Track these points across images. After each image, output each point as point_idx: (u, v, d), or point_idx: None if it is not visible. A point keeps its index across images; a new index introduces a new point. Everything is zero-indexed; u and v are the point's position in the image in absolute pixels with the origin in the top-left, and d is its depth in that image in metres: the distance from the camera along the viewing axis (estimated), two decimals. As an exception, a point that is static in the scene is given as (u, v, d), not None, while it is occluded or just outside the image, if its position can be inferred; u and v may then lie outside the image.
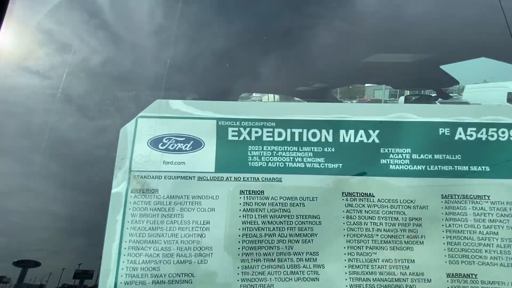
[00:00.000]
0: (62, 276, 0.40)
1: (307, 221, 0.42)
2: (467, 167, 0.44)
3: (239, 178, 0.43)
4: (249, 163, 0.44)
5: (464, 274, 0.41)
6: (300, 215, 0.42)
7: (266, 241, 0.41)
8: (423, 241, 0.42)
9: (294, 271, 0.40)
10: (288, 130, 0.45)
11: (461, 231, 0.43)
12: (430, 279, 0.41)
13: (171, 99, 0.46)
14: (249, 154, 0.44)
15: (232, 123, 0.45)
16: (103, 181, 0.41)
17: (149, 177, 0.42)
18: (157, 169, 0.42)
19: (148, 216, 0.40)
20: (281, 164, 0.44)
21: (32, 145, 0.48)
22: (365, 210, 0.43)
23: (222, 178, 0.43)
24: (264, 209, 0.42)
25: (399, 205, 0.43)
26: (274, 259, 0.40)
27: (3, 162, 0.48)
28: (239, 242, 0.40)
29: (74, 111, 0.51)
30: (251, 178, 0.43)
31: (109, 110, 0.48)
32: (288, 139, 0.45)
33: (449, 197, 0.43)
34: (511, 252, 0.41)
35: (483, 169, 0.44)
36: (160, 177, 0.42)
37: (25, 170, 0.48)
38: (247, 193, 0.42)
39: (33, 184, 0.47)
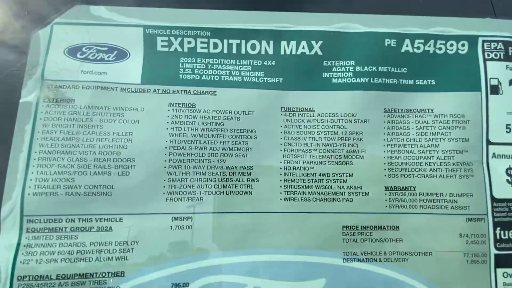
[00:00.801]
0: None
1: (241, 135, 0.39)
2: (412, 80, 0.42)
3: (168, 91, 0.39)
4: (180, 75, 0.40)
5: (402, 187, 0.40)
6: (234, 129, 0.39)
7: (196, 154, 0.38)
8: (363, 156, 0.40)
9: (226, 185, 0.38)
10: (225, 41, 0.42)
11: (402, 145, 0.41)
12: (368, 192, 0.39)
13: (92, 5, 0.41)
14: (180, 66, 0.40)
15: (161, 31, 0.41)
16: (11, 89, 0.36)
17: (64, 86, 0.37)
18: (74, 78, 0.38)
19: (62, 127, 0.36)
20: (216, 78, 0.41)
21: None
22: (304, 125, 0.41)
23: (148, 90, 0.39)
24: (194, 122, 0.39)
25: (339, 119, 0.41)
26: (205, 172, 0.38)
27: None
28: (165, 154, 0.37)
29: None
30: (181, 91, 0.39)
31: (20, 13, 0.42)
32: (225, 51, 0.42)
33: (392, 111, 0.41)
34: (450, 163, 0.40)
35: (429, 83, 0.42)
36: (77, 87, 0.38)
37: None
38: (177, 105, 0.39)
39: None
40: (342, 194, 0.39)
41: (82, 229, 0.35)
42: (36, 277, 0.33)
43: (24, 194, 0.34)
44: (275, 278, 0.37)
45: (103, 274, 0.34)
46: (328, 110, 0.41)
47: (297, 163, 0.40)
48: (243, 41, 0.42)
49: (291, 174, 0.39)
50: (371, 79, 0.41)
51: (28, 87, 0.37)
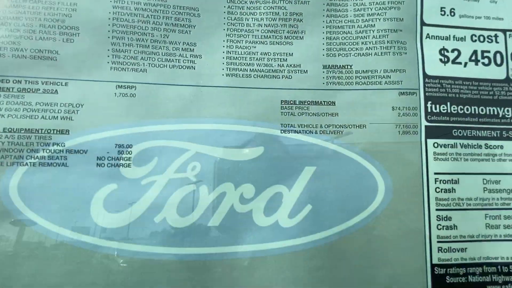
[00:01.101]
0: None
1: (185, 12, 0.41)
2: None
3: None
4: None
5: (340, 65, 0.42)
6: (177, 6, 0.41)
7: (139, 27, 0.40)
8: (302, 36, 0.42)
9: (169, 59, 0.40)
10: None
11: (340, 26, 0.43)
12: (307, 70, 0.41)
13: None
14: None
15: None
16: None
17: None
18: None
19: (8, -5, 0.38)
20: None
21: None
22: (247, 7, 0.42)
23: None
24: (137, -4, 0.41)
25: (281, 0, 0.43)
26: (148, 45, 0.40)
27: None
28: (109, 25, 0.39)
29: None
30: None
31: None
32: None
33: (332, -6, 0.43)
34: (385, 42, 0.42)
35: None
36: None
37: None
38: None
39: None
40: (281, 72, 0.41)
41: (29, 90, 0.37)
42: (-17, 129, 0.35)
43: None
44: (215, 145, 0.39)
45: (48, 131, 0.36)
46: (270, -8, 0.43)
47: (239, 43, 0.41)
48: None
49: (233, 52, 0.41)
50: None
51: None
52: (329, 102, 0.41)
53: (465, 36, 0.44)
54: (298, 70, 0.41)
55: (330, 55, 0.42)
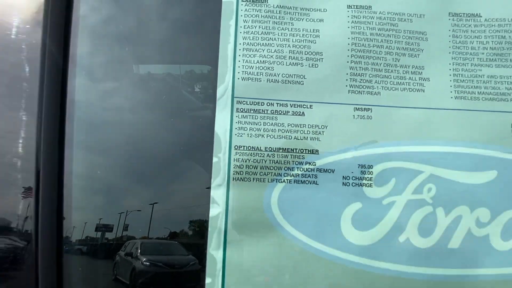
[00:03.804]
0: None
1: (414, 36, 0.42)
2: None
3: (345, -5, 0.43)
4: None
5: None
6: (407, 30, 0.42)
7: (374, 52, 0.41)
8: (530, 59, 0.42)
9: (400, 82, 0.41)
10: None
11: None
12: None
13: None
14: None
15: None
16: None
17: (257, -11, 0.42)
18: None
19: (260, 23, 0.41)
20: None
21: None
22: (471, 30, 0.43)
23: (328, -5, 0.42)
24: (372, 22, 0.42)
25: (506, 24, 0.42)
26: (381, 69, 0.41)
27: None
28: (348, 50, 0.41)
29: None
30: (357, -5, 0.43)
31: None
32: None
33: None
34: None
35: None
36: (268, -11, 0.42)
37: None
38: (355, 7, 0.42)
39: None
40: (509, 95, 0.41)
41: (280, 112, 0.40)
42: (249, 148, 0.38)
43: (234, 79, 0.39)
44: (449, 168, 0.40)
45: (301, 151, 0.39)
46: (496, 15, 0.43)
47: (465, 65, 0.42)
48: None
49: (460, 75, 0.42)
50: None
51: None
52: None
53: None
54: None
55: (560, 78, 0.41)
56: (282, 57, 0.40)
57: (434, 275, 0.37)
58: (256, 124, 0.39)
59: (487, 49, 0.42)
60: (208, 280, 0.36)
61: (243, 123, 0.39)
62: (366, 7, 0.42)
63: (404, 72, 0.41)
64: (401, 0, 0.42)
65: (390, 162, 0.40)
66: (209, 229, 0.36)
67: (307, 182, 0.38)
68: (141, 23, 0.46)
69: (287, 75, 0.40)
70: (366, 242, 0.37)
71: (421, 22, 0.42)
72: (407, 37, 0.42)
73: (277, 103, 0.40)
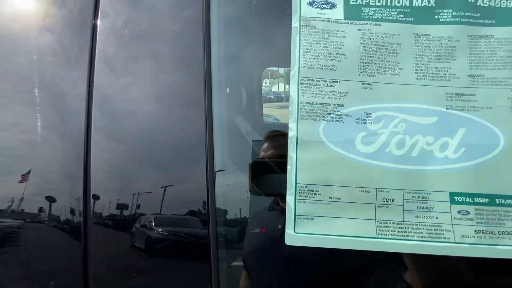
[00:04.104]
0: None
1: (393, 45, 0.76)
2: None
3: None
4: None
5: None
6: (391, 42, 0.77)
7: (371, 53, 0.76)
8: None
9: (386, 70, 0.75)
10: None
11: None
12: None
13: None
14: None
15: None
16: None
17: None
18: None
19: (312, 38, 0.75)
20: None
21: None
22: (420, 44, 0.77)
23: None
24: (371, 38, 0.76)
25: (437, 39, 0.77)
26: (376, 62, 0.75)
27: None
28: (358, 52, 0.75)
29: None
30: None
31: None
32: None
33: None
34: None
35: None
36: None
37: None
38: (363, 30, 0.76)
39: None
40: (443, 78, 0.75)
41: (323, 85, 0.74)
42: (307, 103, 0.72)
43: (299, 67, 0.73)
44: (412, 115, 0.74)
45: (334, 105, 0.73)
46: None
47: (421, 61, 0.76)
48: None
49: (419, 66, 0.76)
50: None
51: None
52: None
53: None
54: None
55: None
56: (324, 56, 0.74)
57: (405, 168, 0.70)
58: (311, 91, 0.72)
59: (433, 52, 0.76)
60: (288, 167, 0.69)
61: (304, 91, 0.72)
62: (367, 30, 0.76)
63: (388, 64, 0.75)
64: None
65: (381, 111, 0.74)
66: (289, 139, 0.69)
67: (337, 121, 0.72)
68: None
69: (326, 65, 0.74)
70: (369, 151, 0.71)
71: (398, 38, 0.76)
72: (390, 46, 0.76)
73: (322, 80, 0.73)
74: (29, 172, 0.93)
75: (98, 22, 0.95)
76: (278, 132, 0.90)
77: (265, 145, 0.91)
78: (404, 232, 0.68)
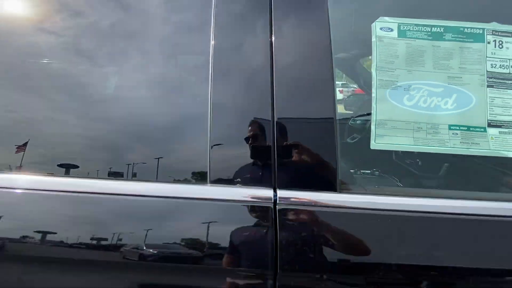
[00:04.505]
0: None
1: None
2: None
3: None
4: None
5: None
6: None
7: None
8: None
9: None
10: None
11: None
12: None
13: None
14: None
15: None
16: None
17: None
18: None
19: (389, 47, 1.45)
20: None
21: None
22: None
23: None
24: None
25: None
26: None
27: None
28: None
29: None
30: None
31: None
32: None
33: None
34: None
35: None
36: None
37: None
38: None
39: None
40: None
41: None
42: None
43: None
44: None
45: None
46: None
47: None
48: None
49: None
50: None
51: None
52: None
53: None
54: None
55: None
56: (388, 56, 1.43)
57: (427, 113, 1.41)
58: (382, 73, 1.42)
59: (441, 55, 1.46)
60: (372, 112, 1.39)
61: (379, 73, 1.42)
62: (409, 43, 1.45)
63: (419, 62, 1.45)
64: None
65: (415, 85, 1.44)
66: (372, 98, 1.39)
67: (395, 89, 1.41)
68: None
69: (388, 61, 1.43)
70: (410, 104, 1.41)
71: (423, 48, 1.45)
72: (420, 51, 1.45)
73: (387, 68, 1.43)
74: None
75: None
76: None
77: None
78: (427, 142, 1.40)
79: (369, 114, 1.46)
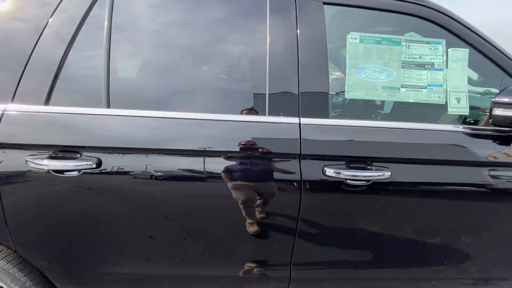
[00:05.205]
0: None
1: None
2: None
3: None
4: None
5: None
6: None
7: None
8: None
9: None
10: None
11: None
12: None
13: None
14: None
15: None
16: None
17: None
18: None
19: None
20: None
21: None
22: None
23: None
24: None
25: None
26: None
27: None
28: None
29: None
30: None
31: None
32: None
33: None
34: None
35: None
36: None
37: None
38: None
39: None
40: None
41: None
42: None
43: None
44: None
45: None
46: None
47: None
48: None
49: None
50: None
51: None
52: None
53: None
54: None
55: None
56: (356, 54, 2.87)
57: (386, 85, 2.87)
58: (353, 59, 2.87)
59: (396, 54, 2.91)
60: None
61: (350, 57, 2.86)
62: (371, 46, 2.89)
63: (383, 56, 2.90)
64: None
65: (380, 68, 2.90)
66: (346, 74, 2.83)
67: (362, 69, 2.86)
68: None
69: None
70: (365, 76, 2.86)
71: (384, 48, 2.90)
72: (382, 51, 2.90)
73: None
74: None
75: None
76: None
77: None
78: (371, 94, 2.87)
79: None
